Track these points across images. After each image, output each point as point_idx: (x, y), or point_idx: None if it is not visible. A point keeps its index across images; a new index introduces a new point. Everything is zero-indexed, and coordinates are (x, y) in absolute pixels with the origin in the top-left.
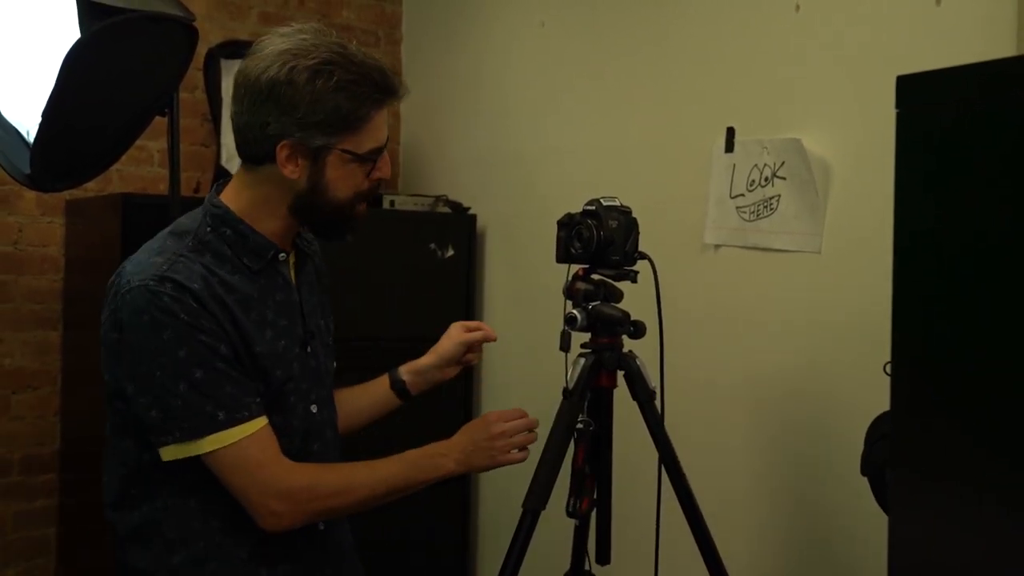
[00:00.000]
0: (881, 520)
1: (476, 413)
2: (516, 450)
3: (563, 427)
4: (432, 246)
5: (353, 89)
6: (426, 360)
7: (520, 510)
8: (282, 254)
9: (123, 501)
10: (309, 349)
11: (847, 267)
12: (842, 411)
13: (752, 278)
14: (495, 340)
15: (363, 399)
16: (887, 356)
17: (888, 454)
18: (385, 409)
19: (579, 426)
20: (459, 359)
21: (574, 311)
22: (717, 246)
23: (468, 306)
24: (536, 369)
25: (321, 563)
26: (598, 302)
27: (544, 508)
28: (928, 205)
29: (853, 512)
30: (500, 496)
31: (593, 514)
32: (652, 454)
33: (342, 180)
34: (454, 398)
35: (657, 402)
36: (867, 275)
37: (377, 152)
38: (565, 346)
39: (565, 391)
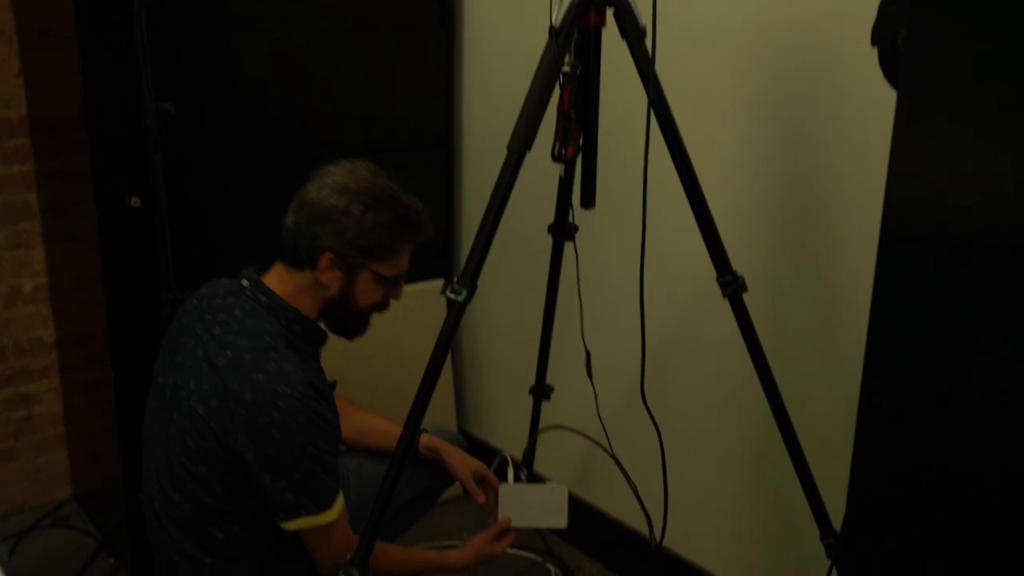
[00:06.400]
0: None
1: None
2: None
3: (548, 68)
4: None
5: (394, 227)
6: (450, 456)
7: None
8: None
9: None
10: None
11: None
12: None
13: None
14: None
15: (385, 440)
16: None
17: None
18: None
19: (565, 68)
20: (459, 480)
21: None
22: None
23: (448, 78)
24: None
25: None
26: None
27: (529, 150)
28: None
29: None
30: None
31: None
32: (641, 98)
33: (366, 294)
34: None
35: (648, 42)
36: None
37: (398, 279)
38: None
39: (551, 30)
